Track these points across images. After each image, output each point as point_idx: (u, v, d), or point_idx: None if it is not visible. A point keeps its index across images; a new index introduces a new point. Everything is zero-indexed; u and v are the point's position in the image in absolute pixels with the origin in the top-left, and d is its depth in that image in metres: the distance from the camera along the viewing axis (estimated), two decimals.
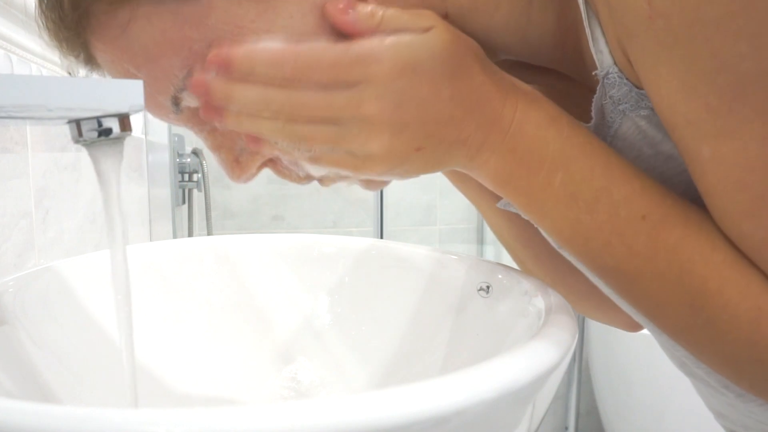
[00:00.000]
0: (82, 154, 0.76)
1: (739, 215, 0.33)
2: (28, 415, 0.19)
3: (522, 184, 0.38)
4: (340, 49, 0.34)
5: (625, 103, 0.37)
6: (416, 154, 0.36)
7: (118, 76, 0.37)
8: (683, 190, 0.38)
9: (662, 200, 0.35)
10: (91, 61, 0.38)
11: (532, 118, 0.36)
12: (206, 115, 0.37)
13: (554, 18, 0.39)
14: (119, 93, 0.30)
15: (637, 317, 0.40)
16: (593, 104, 0.39)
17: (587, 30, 0.36)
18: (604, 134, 0.39)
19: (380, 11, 0.35)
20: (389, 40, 0.34)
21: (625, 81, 0.36)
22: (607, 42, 0.35)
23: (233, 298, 0.54)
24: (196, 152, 1.45)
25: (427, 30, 0.35)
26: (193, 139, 1.53)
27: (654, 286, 0.35)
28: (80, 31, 0.36)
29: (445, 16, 0.38)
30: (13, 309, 0.39)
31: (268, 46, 0.35)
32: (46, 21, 0.37)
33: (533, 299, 0.37)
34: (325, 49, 0.34)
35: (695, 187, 0.37)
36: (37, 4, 0.37)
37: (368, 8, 0.35)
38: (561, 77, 0.45)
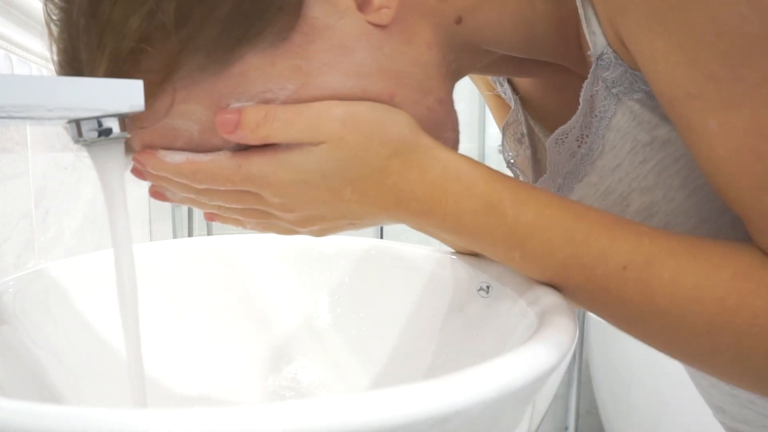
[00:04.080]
0: (82, 154, 0.76)
1: (757, 189, 0.31)
2: (28, 415, 0.19)
3: (482, 252, 0.37)
4: (234, 165, 0.35)
5: (619, 85, 0.36)
6: (353, 225, 0.38)
7: None
8: (683, 178, 0.37)
9: (639, 242, 0.34)
10: (128, 149, 0.38)
11: (467, 208, 0.35)
12: (154, 197, 0.40)
13: (556, 8, 0.39)
14: (119, 93, 0.30)
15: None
16: (583, 91, 0.37)
17: (580, 10, 0.35)
18: (595, 126, 0.38)
19: (266, 125, 0.33)
20: (276, 159, 0.34)
21: (620, 62, 0.35)
22: (599, 22, 0.35)
23: (233, 298, 0.54)
24: None
25: (318, 144, 0.34)
26: None
27: (659, 324, 0.34)
28: None
29: (459, 21, 0.38)
30: (13, 309, 0.39)
31: (171, 159, 0.35)
32: None
33: (533, 299, 0.37)
34: (220, 166, 0.35)
35: (696, 174, 0.36)
36: None
37: (253, 121, 0.33)
38: (558, 70, 0.44)
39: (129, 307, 0.35)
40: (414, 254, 0.52)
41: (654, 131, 0.37)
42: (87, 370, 0.43)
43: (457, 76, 0.42)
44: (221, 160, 0.35)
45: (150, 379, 0.48)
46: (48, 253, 0.65)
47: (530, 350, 0.26)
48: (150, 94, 0.33)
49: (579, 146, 0.40)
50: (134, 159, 0.37)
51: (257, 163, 0.34)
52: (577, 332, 0.31)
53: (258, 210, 0.37)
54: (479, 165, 0.36)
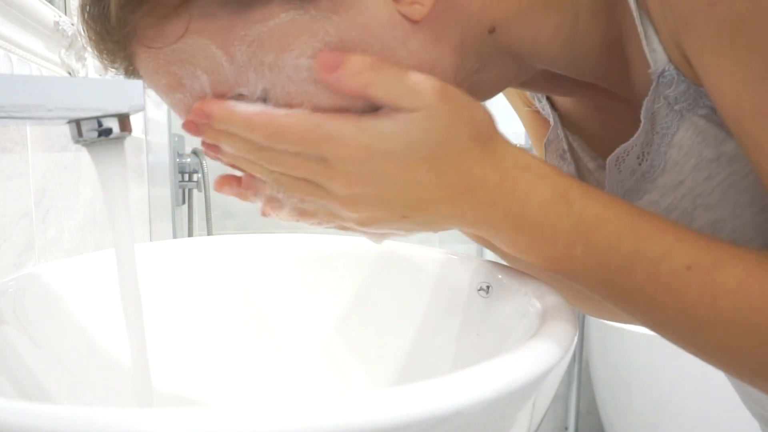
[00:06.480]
0: (82, 154, 0.76)
1: None
2: (28, 415, 0.19)
3: (539, 255, 0.36)
4: (312, 123, 0.33)
5: (682, 102, 0.35)
6: (403, 220, 0.36)
7: (159, 86, 0.36)
8: (752, 195, 0.36)
9: (706, 245, 0.33)
10: (131, 71, 0.37)
11: (536, 197, 0.35)
12: (206, 150, 0.38)
13: (601, 31, 0.38)
14: (119, 93, 0.30)
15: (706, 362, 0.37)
16: (643, 108, 0.37)
17: (639, 29, 0.35)
18: (657, 143, 0.38)
19: (371, 72, 0.33)
20: (360, 124, 0.33)
21: (683, 78, 0.35)
22: (660, 40, 0.34)
23: (233, 298, 0.54)
24: (196, 152, 1.45)
25: (413, 111, 0.33)
26: (193, 140, 1.53)
27: (720, 334, 0.33)
28: (126, 44, 0.35)
29: (492, 31, 0.37)
30: (13, 309, 0.39)
31: (243, 109, 0.34)
32: (89, 31, 0.36)
33: (533, 299, 0.37)
34: (297, 122, 0.33)
35: (764, 192, 0.35)
36: (79, 13, 0.36)
37: (358, 65, 0.33)
38: (600, 91, 0.44)
39: (132, 307, 0.35)
40: (414, 254, 0.52)
41: (721, 146, 0.36)
42: (87, 370, 0.43)
43: (484, 88, 0.41)
44: (299, 115, 0.33)
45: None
46: (48, 253, 0.65)
47: (530, 350, 0.26)
48: (164, 15, 0.33)
49: (640, 164, 0.40)
50: (196, 111, 0.35)
51: (339, 124, 0.33)
52: (577, 332, 0.31)
53: (312, 184, 0.35)
54: (545, 161, 0.36)
